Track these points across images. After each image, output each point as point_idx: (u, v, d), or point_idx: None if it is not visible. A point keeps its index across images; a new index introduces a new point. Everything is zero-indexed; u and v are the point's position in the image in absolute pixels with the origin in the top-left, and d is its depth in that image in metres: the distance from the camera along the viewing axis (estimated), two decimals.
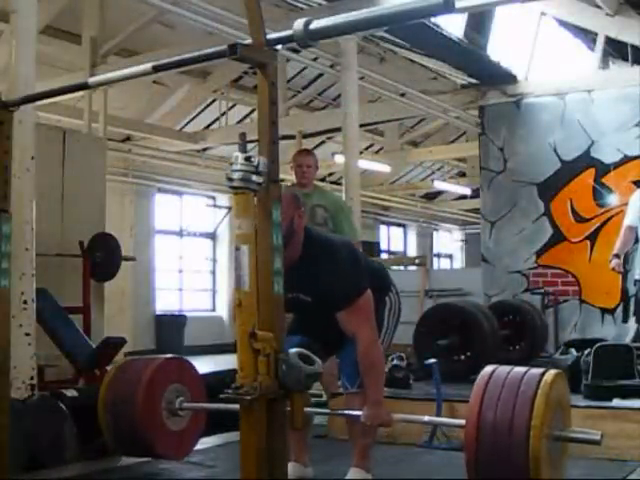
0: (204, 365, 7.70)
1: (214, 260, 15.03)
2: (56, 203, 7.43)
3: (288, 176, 5.54)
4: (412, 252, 20.29)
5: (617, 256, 6.08)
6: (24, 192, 4.72)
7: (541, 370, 2.59)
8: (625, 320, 6.57)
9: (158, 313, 13.11)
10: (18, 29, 4.91)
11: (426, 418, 3.82)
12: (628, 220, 6.24)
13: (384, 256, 18.53)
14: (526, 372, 2.54)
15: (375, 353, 3.23)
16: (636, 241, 6.24)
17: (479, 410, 2.48)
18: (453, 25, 8.80)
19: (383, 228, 19.92)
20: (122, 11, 9.04)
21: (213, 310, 14.86)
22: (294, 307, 3.19)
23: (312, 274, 3.20)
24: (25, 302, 4.70)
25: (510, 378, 2.52)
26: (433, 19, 7.67)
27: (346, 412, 3.44)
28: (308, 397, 2.45)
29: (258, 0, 2.36)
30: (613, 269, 6.11)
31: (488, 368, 2.66)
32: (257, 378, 2.22)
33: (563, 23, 10.00)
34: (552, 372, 2.54)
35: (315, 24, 2.28)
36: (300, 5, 7.60)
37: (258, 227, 2.34)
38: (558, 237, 9.14)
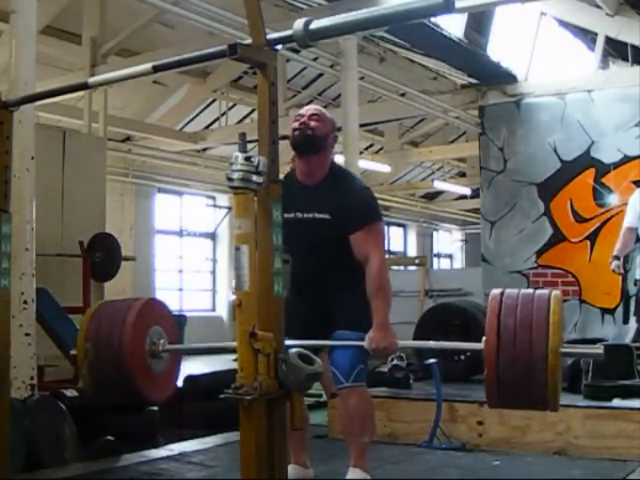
0: (204, 365, 7.71)
1: (214, 260, 15.04)
2: (56, 203, 7.44)
3: None
4: (412, 252, 20.30)
5: (617, 258, 6.07)
6: (24, 192, 4.72)
7: None
8: (626, 321, 6.55)
9: None
10: (18, 29, 4.92)
11: (431, 343, 4.07)
12: (627, 221, 6.22)
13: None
14: (535, 290, 2.79)
15: (384, 276, 3.36)
16: (637, 241, 6.23)
17: (498, 313, 2.65)
18: (453, 25, 8.79)
19: None
20: (122, 11, 9.04)
21: (213, 310, 14.86)
22: (304, 229, 3.35)
23: (335, 192, 3.41)
24: (25, 302, 4.70)
25: (523, 291, 2.75)
26: (433, 19, 7.67)
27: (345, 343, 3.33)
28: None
29: (258, 0, 2.36)
30: (613, 271, 6.10)
31: (495, 289, 2.80)
32: (257, 378, 2.23)
33: (563, 23, 9.99)
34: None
35: (315, 24, 2.28)
36: (300, 5, 7.60)
37: (258, 227, 2.33)
38: (558, 237, 9.14)
